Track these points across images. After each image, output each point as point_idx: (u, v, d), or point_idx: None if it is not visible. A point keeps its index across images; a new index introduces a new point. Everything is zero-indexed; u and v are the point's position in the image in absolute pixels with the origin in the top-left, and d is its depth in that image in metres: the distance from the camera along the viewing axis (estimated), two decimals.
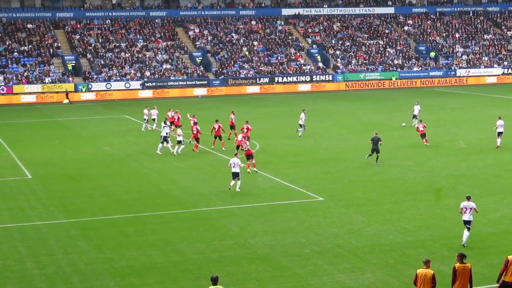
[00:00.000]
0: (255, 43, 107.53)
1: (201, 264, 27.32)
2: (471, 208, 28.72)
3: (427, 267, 21.22)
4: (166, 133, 51.37)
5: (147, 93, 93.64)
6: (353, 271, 26.25)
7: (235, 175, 39.06)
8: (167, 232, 31.81)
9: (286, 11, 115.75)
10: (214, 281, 20.51)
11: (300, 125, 56.99)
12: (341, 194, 38.36)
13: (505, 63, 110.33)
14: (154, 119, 63.08)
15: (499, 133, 51.60)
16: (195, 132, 51.77)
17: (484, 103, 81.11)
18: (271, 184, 41.13)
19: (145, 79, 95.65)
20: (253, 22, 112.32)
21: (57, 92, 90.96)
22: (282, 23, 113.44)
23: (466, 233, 28.70)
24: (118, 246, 29.67)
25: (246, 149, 44.86)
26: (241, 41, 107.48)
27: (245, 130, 50.52)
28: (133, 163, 48.19)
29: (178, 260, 27.82)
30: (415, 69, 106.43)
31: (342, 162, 47.24)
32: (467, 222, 28.74)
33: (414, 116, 62.03)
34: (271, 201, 37.08)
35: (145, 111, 63.13)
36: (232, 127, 55.88)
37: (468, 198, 28.98)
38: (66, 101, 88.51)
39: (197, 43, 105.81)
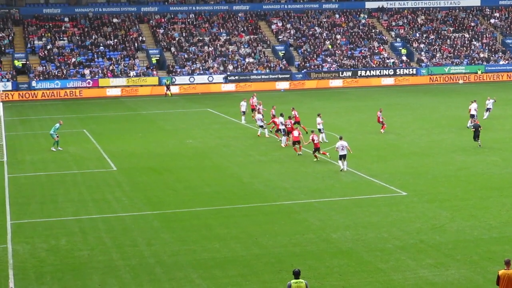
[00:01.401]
0: (338, 36, 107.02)
1: (283, 257, 27.37)
2: None
3: (508, 268, 20.79)
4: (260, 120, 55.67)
5: (230, 87, 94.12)
6: (436, 267, 25.95)
7: (343, 157, 42.42)
8: (249, 225, 31.95)
9: (369, 4, 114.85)
10: (296, 274, 20.52)
11: (319, 130, 52.62)
12: (425, 189, 37.92)
13: None
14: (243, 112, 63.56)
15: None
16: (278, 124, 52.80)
17: None
18: (354, 178, 40.92)
19: (228, 73, 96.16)
20: (336, 16, 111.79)
21: (141, 86, 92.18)
22: (366, 16, 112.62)
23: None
24: (201, 238, 29.94)
25: (316, 142, 45.34)
26: (324, 34, 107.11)
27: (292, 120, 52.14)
28: (215, 157, 48.50)
29: (260, 253, 27.93)
30: (501, 62, 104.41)
31: (426, 157, 46.68)
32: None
33: (472, 116, 58.48)
34: (354, 195, 36.91)
35: (243, 103, 63.64)
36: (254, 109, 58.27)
37: None
38: (168, 92, 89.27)
39: (279, 37, 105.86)
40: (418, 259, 26.85)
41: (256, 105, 62.40)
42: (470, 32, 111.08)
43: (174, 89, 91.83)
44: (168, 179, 41.89)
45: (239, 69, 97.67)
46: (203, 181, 41.02)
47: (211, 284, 24.93)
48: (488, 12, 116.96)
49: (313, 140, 45.46)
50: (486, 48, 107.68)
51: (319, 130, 52.56)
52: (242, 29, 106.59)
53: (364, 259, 27.07)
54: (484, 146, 49.58)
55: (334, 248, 28.37)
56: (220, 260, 27.30)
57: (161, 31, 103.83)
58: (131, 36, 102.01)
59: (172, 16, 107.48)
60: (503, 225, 30.94)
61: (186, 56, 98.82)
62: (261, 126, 55.20)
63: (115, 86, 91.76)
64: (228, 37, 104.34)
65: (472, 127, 49.76)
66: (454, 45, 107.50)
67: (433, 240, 29.07)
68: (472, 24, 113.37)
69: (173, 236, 30.41)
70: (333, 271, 25.78)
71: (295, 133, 48.24)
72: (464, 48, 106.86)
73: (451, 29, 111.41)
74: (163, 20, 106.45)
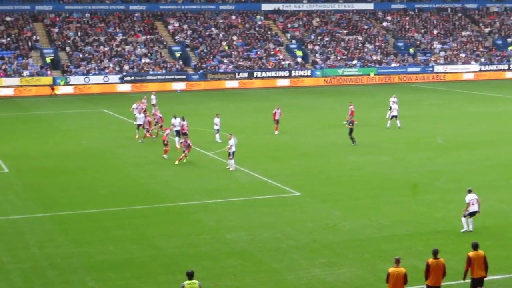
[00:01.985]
0: (235, 37, 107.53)
1: (177, 258, 27.41)
2: (476, 199, 30.01)
3: (398, 266, 21.43)
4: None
5: (126, 87, 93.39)
6: (329, 266, 26.42)
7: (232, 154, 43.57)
8: (145, 226, 31.86)
9: (265, 6, 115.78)
10: (190, 275, 20.60)
11: (217, 130, 52.98)
12: (319, 189, 38.53)
13: (482, 59, 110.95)
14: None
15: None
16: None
17: (461, 99, 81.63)
18: (249, 179, 41.24)
19: (124, 73, 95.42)
20: (233, 17, 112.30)
21: (35, 86, 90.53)
22: (262, 18, 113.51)
23: (471, 221, 30.17)
24: (95, 241, 29.68)
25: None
26: (221, 35, 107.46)
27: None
28: (111, 158, 48.14)
29: (155, 255, 27.89)
30: (393, 64, 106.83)
31: (320, 157, 47.42)
32: (474, 213, 30.19)
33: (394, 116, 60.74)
34: (249, 196, 37.20)
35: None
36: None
37: (470, 191, 30.36)
38: (56, 92, 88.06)
39: (176, 38, 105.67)
40: (311, 258, 27.28)
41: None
42: (363, 35, 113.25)
43: (69, 89, 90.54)
44: (63, 180, 41.33)
45: (135, 69, 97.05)
46: (98, 182, 40.65)
47: (105, 287, 24.76)
48: (380, 16, 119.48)
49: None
50: (379, 50, 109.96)
51: (217, 130, 52.81)
52: (139, 29, 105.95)
53: (258, 259, 27.35)
54: (376, 146, 50.71)
55: (229, 249, 28.56)
56: (115, 262, 27.14)
57: (56, 30, 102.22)
58: (24, 35, 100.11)
59: (67, 15, 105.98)
60: (394, 224, 31.71)
61: (81, 55, 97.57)
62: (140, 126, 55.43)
63: (8, 86, 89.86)
64: (124, 37, 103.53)
65: (348, 123, 51.30)
66: (347, 48, 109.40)
67: (326, 240, 29.59)
68: (365, 27, 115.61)
69: (67, 239, 30.05)
70: (227, 272, 25.96)
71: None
72: (358, 51, 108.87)
73: (345, 31, 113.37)
74: (57, 19, 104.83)
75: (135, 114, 57.66)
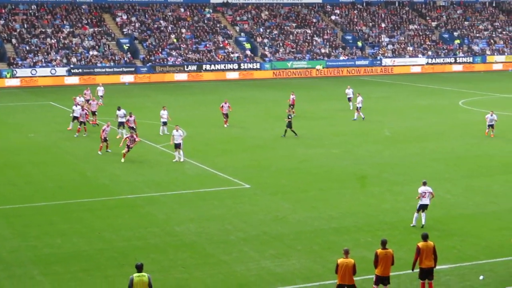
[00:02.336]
0: (183, 30, 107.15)
1: (126, 251, 27.24)
2: (430, 193, 29.84)
3: (347, 256, 21.58)
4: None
5: (74, 80, 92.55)
6: (278, 258, 26.47)
7: (178, 146, 43.52)
8: (93, 219, 31.60)
9: None
10: (139, 268, 20.47)
11: (164, 123, 52.78)
12: (268, 181, 38.58)
13: (429, 53, 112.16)
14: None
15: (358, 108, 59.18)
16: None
17: (408, 92, 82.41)
18: (198, 171, 41.15)
19: (72, 66, 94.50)
20: (181, 10, 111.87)
21: None
22: (211, 10, 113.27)
23: (423, 215, 29.90)
24: (42, 234, 29.36)
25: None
26: (169, 28, 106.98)
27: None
28: (58, 151, 47.64)
29: (103, 248, 27.67)
30: (341, 58, 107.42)
31: (269, 150, 47.49)
32: (425, 206, 29.99)
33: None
34: (198, 188, 37.11)
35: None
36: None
37: (425, 184, 30.11)
38: None
39: (124, 30, 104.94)
40: (261, 250, 27.31)
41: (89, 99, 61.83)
42: (312, 28, 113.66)
43: (15, 82, 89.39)
44: (9, 174, 40.79)
45: (83, 62, 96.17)
46: (45, 176, 40.20)
47: (52, 281, 24.49)
48: (329, 9, 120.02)
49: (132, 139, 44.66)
50: (327, 43, 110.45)
51: (164, 123, 52.62)
52: (86, 22, 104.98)
53: (208, 251, 27.29)
54: (325, 139, 50.95)
55: (178, 241, 28.46)
56: (62, 255, 26.86)
57: (1, 22, 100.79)
58: None
59: (13, 6, 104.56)
60: (342, 216, 31.89)
61: (27, 48, 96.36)
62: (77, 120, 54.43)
63: None
64: (71, 30, 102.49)
65: (287, 117, 51.60)
66: (296, 41, 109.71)
67: (275, 231, 29.64)
68: (314, 20, 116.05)
69: (13, 232, 29.67)
70: (176, 264, 25.87)
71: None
72: (306, 44, 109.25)
73: (294, 25, 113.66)
74: (3, 10, 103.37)
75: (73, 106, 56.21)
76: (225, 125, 56.33)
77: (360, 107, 59.89)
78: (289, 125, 51.41)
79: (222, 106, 56.69)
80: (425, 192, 29.82)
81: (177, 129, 43.94)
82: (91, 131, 53.95)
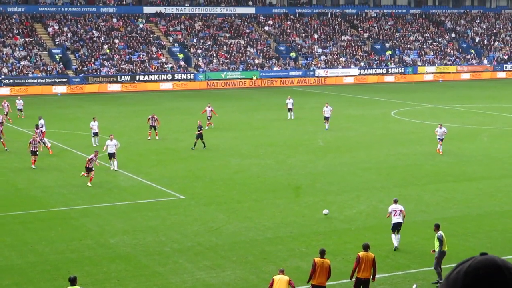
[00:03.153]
0: (116, 40, 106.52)
1: (59, 264, 26.93)
2: (400, 211, 28.75)
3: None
4: None
5: (5, 90, 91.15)
6: (213, 269, 26.46)
7: (112, 156, 43.90)
8: (25, 232, 31.18)
9: (147, 9, 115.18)
10: (72, 281, 20.30)
11: (93, 134, 52.49)
12: (202, 192, 38.56)
13: (362, 63, 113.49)
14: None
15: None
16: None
17: (341, 102, 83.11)
18: (133, 183, 40.93)
19: (2, 76, 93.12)
20: (114, 20, 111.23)
21: None
22: (144, 21, 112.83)
23: (397, 236, 28.58)
24: None
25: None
26: (102, 38, 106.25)
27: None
28: None
29: (36, 261, 27.32)
30: (275, 68, 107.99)
31: (204, 161, 47.47)
32: (397, 225, 28.62)
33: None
34: (132, 200, 36.92)
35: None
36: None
37: (396, 201, 29.25)
38: None
39: (56, 40, 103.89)
40: (196, 261, 27.27)
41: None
42: (246, 39, 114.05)
43: None
44: None
45: (14, 72, 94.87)
46: None
47: None
48: (262, 20, 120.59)
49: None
50: (261, 54, 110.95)
51: (95, 134, 52.16)
52: (17, 31, 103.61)
53: (143, 263, 27.15)
54: (259, 149, 51.14)
55: (112, 253, 28.25)
56: None
57: None
58: None
59: None
60: (277, 226, 32.03)
61: None
62: None
63: None
64: (2, 39, 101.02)
65: (198, 128, 51.30)
66: (230, 51, 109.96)
67: (210, 242, 29.63)
68: (248, 31, 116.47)
69: None
70: (111, 276, 25.68)
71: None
72: (240, 54, 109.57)
73: (227, 35, 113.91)
74: None
75: None
76: (148, 137, 55.16)
77: (327, 117, 60.56)
78: (200, 136, 51.23)
79: (149, 119, 55.82)
80: (396, 210, 28.65)
81: (111, 139, 44.09)
82: (25, 141, 53.13)
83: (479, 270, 3.38)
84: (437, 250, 25.09)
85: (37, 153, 44.78)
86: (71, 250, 28.65)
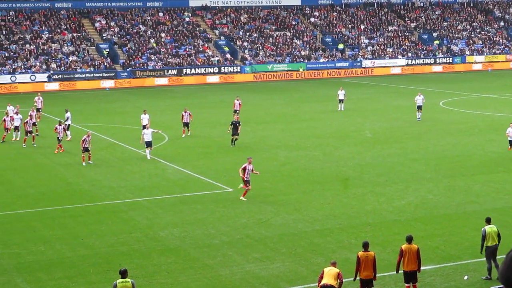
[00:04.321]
0: (163, 34, 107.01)
1: (110, 257, 27.15)
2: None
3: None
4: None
5: (54, 86, 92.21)
6: (262, 261, 26.47)
7: (148, 144, 42.92)
8: (75, 226, 31.49)
9: (193, 3, 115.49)
10: (123, 274, 20.43)
11: (144, 126, 51.69)
12: (251, 184, 38.50)
13: (409, 54, 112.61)
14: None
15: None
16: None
17: (389, 93, 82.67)
18: (180, 175, 41.10)
19: (51, 72, 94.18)
20: (160, 14, 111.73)
21: None
22: (190, 14, 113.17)
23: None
24: (25, 241, 29.21)
25: None
26: (149, 32, 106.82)
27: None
28: (39, 157, 47.44)
29: (86, 254, 27.57)
30: (322, 60, 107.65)
31: (251, 153, 47.29)
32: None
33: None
34: (181, 193, 37.07)
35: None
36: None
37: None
38: None
39: (103, 35, 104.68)
40: (245, 253, 27.31)
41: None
42: (292, 31, 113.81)
43: None
44: None
45: (63, 67, 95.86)
46: (26, 183, 40.03)
47: None
48: (308, 11, 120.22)
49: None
50: (307, 46, 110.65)
51: (144, 126, 52.31)
52: (65, 27, 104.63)
53: (192, 256, 27.25)
54: (306, 141, 51.01)
55: (162, 246, 28.41)
56: (46, 262, 26.75)
57: None
58: None
59: None
60: (325, 218, 31.94)
61: (6, 54, 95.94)
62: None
63: None
64: (50, 35, 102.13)
65: (231, 123, 50.07)
66: (276, 43, 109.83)
67: (258, 235, 29.65)
68: (293, 22, 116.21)
69: None
70: (161, 269, 25.82)
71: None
72: (286, 46, 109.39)
73: (273, 27, 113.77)
74: None
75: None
76: (183, 135, 54.77)
77: (420, 106, 60.60)
78: (235, 131, 49.66)
79: (183, 115, 55.40)
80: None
81: (147, 128, 45.70)
82: (74, 136, 53.65)
83: None
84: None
85: (89, 149, 44.94)
86: (121, 243, 28.86)
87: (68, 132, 52.74)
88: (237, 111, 60.36)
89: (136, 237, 29.55)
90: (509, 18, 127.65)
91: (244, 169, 35.32)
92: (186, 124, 54.81)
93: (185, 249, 28.05)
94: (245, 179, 35.07)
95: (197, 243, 28.72)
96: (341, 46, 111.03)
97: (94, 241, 29.14)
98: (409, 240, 22.72)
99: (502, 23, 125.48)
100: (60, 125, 48.93)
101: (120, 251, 27.92)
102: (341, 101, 66.45)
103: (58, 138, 48.23)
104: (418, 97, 60.21)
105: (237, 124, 49.65)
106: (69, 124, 53.72)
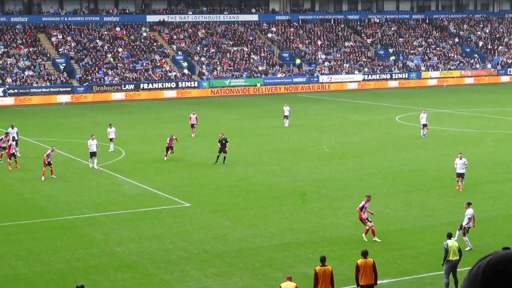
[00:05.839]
0: (120, 49, 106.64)
1: (66, 273, 26.89)
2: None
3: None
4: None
5: (9, 101, 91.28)
6: (220, 276, 26.42)
7: (93, 154, 46.68)
8: (31, 241, 31.16)
9: (150, 18, 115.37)
10: None
11: (111, 139, 53.43)
12: (208, 199, 38.51)
13: (365, 69, 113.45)
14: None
15: None
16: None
17: (346, 108, 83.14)
18: (138, 191, 40.90)
19: (7, 86, 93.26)
20: (118, 29, 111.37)
21: None
22: (147, 29, 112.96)
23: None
24: None
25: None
26: (106, 47, 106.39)
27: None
28: None
29: (42, 270, 27.29)
30: (279, 75, 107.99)
31: (208, 168, 47.44)
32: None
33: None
34: (138, 208, 36.88)
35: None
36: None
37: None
38: None
39: (60, 50, 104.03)
40: (202, 268, 27.23)
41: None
42: (249, 46, 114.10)
43: None
44: None
45: (18, 82, 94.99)
46: None
47: None
48: (265, 27, 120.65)
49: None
50: (264, 61, 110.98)
51: (111, 139, 52.77)
52: (21, 41, 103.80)
53: (149, 271, 27.11)
54: (263, 156, 51.08)
55: (119, 262, 28.21)
56: (1, 279, 26.41)
57: None
58: None
59: None
60: (283, 233, 31.97)
61: None
62: None
63: None
64: (6, 50, 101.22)
65: (218, 141, 48.82)
66: (233, 59, 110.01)
67: (216, 250, 29.59)
68: (251, 38, 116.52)
69: None
70: (117, 285, 25.64)
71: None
72: (244, 62, 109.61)
73: (231, 43, 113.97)
74: None
75: None
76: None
77: (425, 124, 58.90)
78: (223, 149, 48.45)
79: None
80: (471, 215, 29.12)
81: (93, 138, 47.24)
82: (30, 151, 53.15)
83: (499, 264, 3.37)
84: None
85: (51, 164, 44.50)
86: (77, 259, 28.61)
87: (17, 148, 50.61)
88: (194, 125, 60.57)
89: (92, 253, 29.31)
90: (464, 34, 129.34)
91: (362, 208, 31.05)
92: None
93: (142, 264, 27.89)
94: (364, 217, 31.09)
95: (155, 258, 28.57)
96: (298, 61, 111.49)
97: (49, 257, 28.85)
98: (364, 254, 22.88)
99: (456, 39, 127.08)
100: (6, 136, 49.34)
101: (76, 267, 27.67)
102: (285, 117, 66.36)
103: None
104: (423, 114, 59.47)
105: (224, 141, 48.33)
106: (17, 140, 52.02)
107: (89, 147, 47.24)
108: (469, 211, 29.16)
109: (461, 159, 39.91)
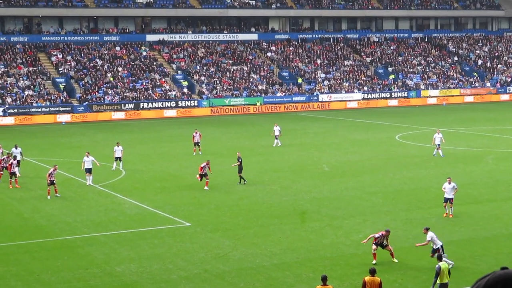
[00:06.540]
0: (120, 68, 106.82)
1: None
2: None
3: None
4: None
5: (9, 120, 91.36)
6: None
7: (88, 171, 47.71)
8: (31, 262, 31.09)
9: (150, 37, 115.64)
10: None
11: (118, 158, 53.87)
12: (208, 219, 38.46)
13: (365, 88, 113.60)
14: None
15: None
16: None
17: (345, 127, 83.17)
18: (138, 210, 40.85)
19: (7, 106, 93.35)
20: (117, 48, 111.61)
21: None
22: (147, 49, 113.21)
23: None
24: None
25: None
26: (106, 66, 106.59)
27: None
28: None
29: None
30: (278, 94, 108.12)
31: (208, 187, 47.36)
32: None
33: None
34: (138, 227, 36.82)
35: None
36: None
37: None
38: None
39: (60, 69, 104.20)
40: None
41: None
42: (249, 65, 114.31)
43: None
44: None
45: (18, 101, 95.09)
46: None
47: None
48: (265, 46, 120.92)
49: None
50: (264, 80, 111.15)
51: (117, 158, 53.59)
52: (21, 61, 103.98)
53: None
54: (263, 175, 51.05)
55: (118, 282, 28.15)
56: None
57: None
58: None
59: None
60: (283, 252, 31.92)
61: None
62: None
63: None
64: (6, 69, 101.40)
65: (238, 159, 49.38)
66: (233, 78, 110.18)
67: (216, 269, 29.52)
68: (250, 57, 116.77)
69: None
70: None
71: None
72: (243, 81, 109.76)
73: (230, 62, 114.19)
74: None
75: None
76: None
77: (439, 144, 58.03)
78: (240, 169, 48.60)
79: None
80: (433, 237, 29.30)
81: (87, 155, 47.89)
82: (30, 170, 53.11)
83: (497, 284, 3.37)
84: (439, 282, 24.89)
85: (55, 182, 44.48)
86: (77, 279, 28.55)
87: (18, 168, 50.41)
88: (198, 144, 60.84)
89: (92, 273, 29.24)
90: (463, 53, 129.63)
91: (377, 238, 30.14)
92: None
93: (142, 284, 27.83)
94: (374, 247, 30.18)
95: (155, 278, 28.51)
96: (300, 80, 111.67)
97: (49, 277, 28.78)
98: (372, 272, 22.89)
99: (456, 58, 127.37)
100: (8, 157, 49.32)
101: (76, 287, 27.61)
102: (276, 137, 66.11)
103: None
104: (437, 134, 58.97)
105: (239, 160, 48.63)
106: (19, 160, 51.79)
107: (84, 163, 47.93)
108: (429, 235, 29.13)
109: (450, 183, 38.16)
